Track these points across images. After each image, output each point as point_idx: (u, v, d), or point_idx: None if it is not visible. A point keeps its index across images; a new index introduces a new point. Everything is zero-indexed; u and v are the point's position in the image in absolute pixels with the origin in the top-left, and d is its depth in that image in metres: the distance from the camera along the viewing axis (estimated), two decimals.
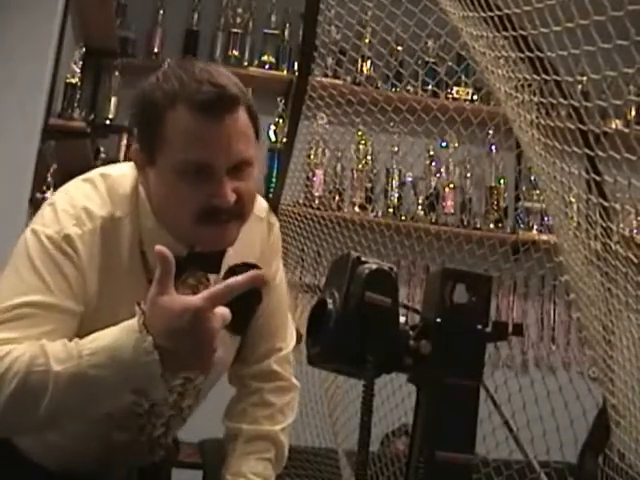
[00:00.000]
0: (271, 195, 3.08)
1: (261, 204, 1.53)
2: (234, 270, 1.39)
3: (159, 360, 1.13)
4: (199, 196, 1.25)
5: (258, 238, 1.51)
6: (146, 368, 1.14)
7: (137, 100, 1.33)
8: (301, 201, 3.36)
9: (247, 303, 1.43)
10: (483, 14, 1.35)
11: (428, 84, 3.55)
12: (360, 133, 3.94)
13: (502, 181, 4.10)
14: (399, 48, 3.31)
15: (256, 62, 4.05)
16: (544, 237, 3.78)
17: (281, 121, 3.90)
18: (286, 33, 4.08)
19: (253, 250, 1.48)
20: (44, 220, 1.32)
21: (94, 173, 1.41)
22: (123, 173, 1.39)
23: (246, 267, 1.40)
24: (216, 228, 1.28)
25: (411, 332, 0.91)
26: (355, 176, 4.00)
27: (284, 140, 3.14)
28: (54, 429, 1.35)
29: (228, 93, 1.25)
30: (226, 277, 1.36)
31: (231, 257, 1.42)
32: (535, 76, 1.36)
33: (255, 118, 1.33)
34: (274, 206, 2.81)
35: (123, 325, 1.17)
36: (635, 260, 1.29)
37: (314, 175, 3.92)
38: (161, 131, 1.26)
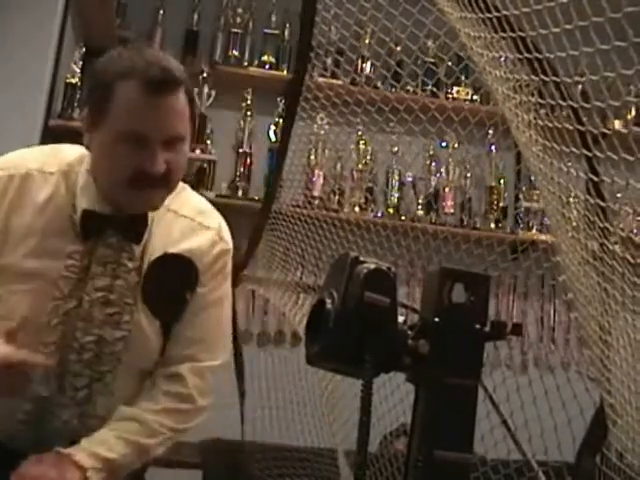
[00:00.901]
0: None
1: (212, 217, 1.68)
2: (164, 259, 1.55)
3: None
4: (133, 162, 1.45)
5: (196, 245, 1.61)
6: None
7: (93, 71, 1.55)
8: (301, 202, 3.36)
9: (175, 289, 1.58)
10: (481, 15, 1.36)
11: (427, 84, 3.56)
12: (360, 133, 3.95)
13: (501, 181, 4.11)
14: (398, 48, 3.31)
15: (256, 62, 4.06)
16: (543, 237, 3.78)
17: (281, 121, 3.89)
18: (286, 33, 4.09)
19: (188, 253, 1.59)
20: None
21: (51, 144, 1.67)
22: (72, 146, 1.61)
23: (177, 259, 1.57)
24: (143, 192, 1.48)
25: (410, 331, 0.91)
26: (355, 176, 4.01)
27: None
28: None
29: (172, 75, 1.46)
30: (155, 264, 1.55)
31: (158, 246, 1.57)
32: (534, 77, 1.37)
33: (192, 101, 1.52)
34: (268, 206, 2.82)
35: None
36: (632, 260, 1.29)
37: (314, 175, 3.92)
38: (109, 100, 1.45)
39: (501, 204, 4.08)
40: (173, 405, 1.63)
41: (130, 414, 1.58)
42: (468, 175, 4.11)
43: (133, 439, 1.56)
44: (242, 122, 4.00)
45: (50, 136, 3.20)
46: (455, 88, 4.03)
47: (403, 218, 3.96)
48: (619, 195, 3.33)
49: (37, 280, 1.49)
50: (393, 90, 3.38)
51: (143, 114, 1.44)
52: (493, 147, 4.06)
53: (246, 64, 4.04)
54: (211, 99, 3.89)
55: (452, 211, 4.03)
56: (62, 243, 1.51)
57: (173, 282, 1.59)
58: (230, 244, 1.69)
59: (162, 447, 1.64)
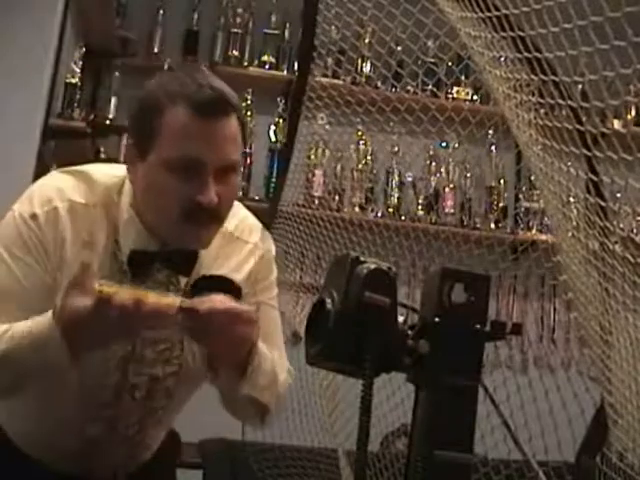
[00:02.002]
0: (271, 195, 3.08)
1: (253, 229, 1.57)
2: (205, 280, 1.44)
3: (66, 348, 1.25)
4: (185, 192, 1.32)
5: (235, 260, 1.51)
6: (56, 355, 1.26)
7: (138, 97, 1.41)
8: (301, 202, 3.36)
9: None
10: (481, 14, 1.36)
11: (427, 84, 3.56)
12: (360, 133, 3.95)
13: (501, 181, 4.11)
14: (398, 48, 3.31)
15: (256, 62, 4.05)
16: (543, 237, 3.78)
17: (281, 121, 3.90)
18: (286, 33, 4.08)
19: (236, 274, 1.49)
20: (20, 201, 1.44)
21: (77, 167, 1.49)
22: (106, 171, 1.48)
23: (214, 280, 1.44)
24: (195, 227, 1.35)
25: (410, 331, 0.91)
26: (355, 176, 4.01)
27: (284, 140, 3.15)
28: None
29: (225, 98, 1.35)
30: (195, 285, 1.42)
31: (205, 269, 1.45)
32: (533, 77, 1.37)
33: (244, 128, 1.42)
34: (274, 207, 2.82)
35: (46, 314, 1.28)
36: (632, 260, 1.29)
37: (314, 175, 3.92)
38: (158, 126, 1.33)
39: (501, 204, 4.07)
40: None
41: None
42: (468, 175, 4.11)
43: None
44: None
45: (50, 136, 3.20)
46: (455, 88, 4.03)
47: (403, 218, 3.95)
48: (619, 195, 3.33)
49: None
50: (394, 90, 3.38)
51: (195, 139, 1.32)
52: (493, 147, 4.06)
53: (246, 64, 4.04)
54: None
55: (452, 211, 4.03)
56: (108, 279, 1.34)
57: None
58: (272, 251, 1.60)
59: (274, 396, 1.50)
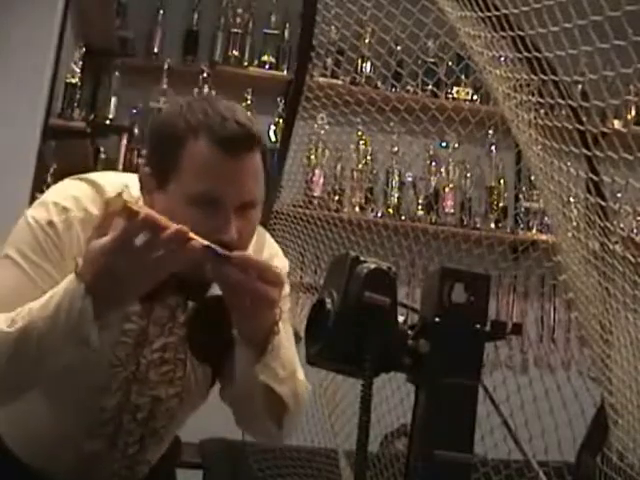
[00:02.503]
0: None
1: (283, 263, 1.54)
2: (203, 303, 1.40)
3: (91, 304, 1.19)
4: (204, 229, 1.24)
5: None
6: (81, 313, 1.20)
7: (157, 124, 1.37)
8: (301, 202, 3.36)
9: (213, 331, 1.43)
10: (481, 14, 1.36)
11: (427, 84, 3.56)
12: (360, 133, 3.95)
13: (501, 181, 4.11)
14: (398, 48, 3.31)
15: (256, 62, 4.05)
16: (543, 237, 3.78)
17: (281, 121, 3.90)
18: (286, 33, 4.08)
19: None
20: (34, 207, 1.39)
21: (91, 174, 1.44)
22: (122, 182, 1.42)
23: (213, 300, 1.38)
24: (218, 264, 1.26)
25: (410, 331, 0.91)
26: (355, 176, 4.01)
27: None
28: (15, 399, 1.39)
29: (250, 133, 1.30)
30: (194, 311, 1.41)
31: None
32: (533, 76, 1.36)
33: (266, 162, 1.36)
34: (269, 206, 2.82)
35: (66, 278, 1.23)
36: (632, 260, 1.29)
37: (314, 176, 3.92)
38: (179, 159, 1.29)
39: (501, 204, 4.08)
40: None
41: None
42: (468, 175, 4.11)
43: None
44: None
45: (50, 136, 3.20)
46: (455, 88, 4.03)
47: (403, 218, 3.95)
48: (619, 194, 3.33)
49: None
50: (393, 90, 3.38)
51: (218, 175, 1.28)
52: (493, 147, 4.06)
53: (246, 64, 4.04)
54: None
55: (452, 211, 4.03)
56: None
57: (212, 323, 1.41)
58: (286, 267, 1.56)
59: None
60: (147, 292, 1.28)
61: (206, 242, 1.22)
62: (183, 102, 1.34)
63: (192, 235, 1.20)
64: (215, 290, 1.38)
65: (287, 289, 1.53)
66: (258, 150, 1.32)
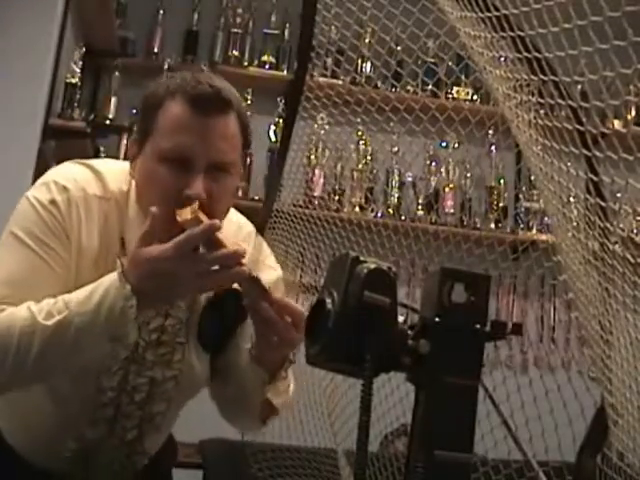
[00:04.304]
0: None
1: (261, 245, 1.60)
2: (217, 294, 1.44)
3: (136, 305, 1.26)
4: (174, 184, 1.32)
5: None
6: (124, 312, 1.26)
7: (144, 95, 1.44)
8: (301, 202, 3.36)
9: (227, 322, 1.48)
10: (481, 14, 1.36)
11: (427, 84, 3.56)
12: (360, 133, 3.95)
13: (501, 181, 4.11)
14: (398, 48, 3.31)
15: (256, 62, 4.06)
16: (543, 237, 3.78)
17: (281, 121, 3.90)
18: (286, 33, 4.09)
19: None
20: (35, 188, 1.44)
21: (91, 160, 1.51)
22: (119, 167, 1.48)
23: (227, 292, 1.42)
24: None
25: (410, 331, 0.91)
26: (355, 176, 4.01)
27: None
28: (41, 382, 1.42)
29: (222, 95, 1.35)
30: (209, 301, 1.45)
31: None
32: (533, 77, 1.37)
33: (245, 130, 1.40)
34: (268, 206, 2.82)
35: (106, 277, 1.29)
36: (632, 260, 1.29)
37: (314, 175, 3.92)
38: (156, 119, 1.36)
39: (501, 204, 4.08)
40: None
41: None
42: (468, 175, 4.11)
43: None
44: None
45: (50, 136, 3.20)
46: (455, 88, 4.03)
47: (403, 218, 3.95)
48: (619, 195, 3.33)
49: None
50: (393, 90, 3.38)
51: (187, 132, 1.33)
52: (493, 147, 4.06)
53: (246, 64, 4.04)
54: None
55: (452, 211, 4.03)
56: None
57: (226, 315, 1.46)
58: (278, 270, 1.61)
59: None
60: None
61: (255, 273, 1.29)
62: (167, 74, 1.44)
63: (243, 261, 1.26)
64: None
65: (279, 273, 1.60)
66: (232, 114, 1.37)
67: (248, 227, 1.60)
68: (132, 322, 1.27)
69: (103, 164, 1.49)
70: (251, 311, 1.37)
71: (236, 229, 1.54)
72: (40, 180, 1.46)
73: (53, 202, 1.38)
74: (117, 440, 1.52)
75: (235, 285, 1.38)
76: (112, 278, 1.27)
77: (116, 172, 1.46)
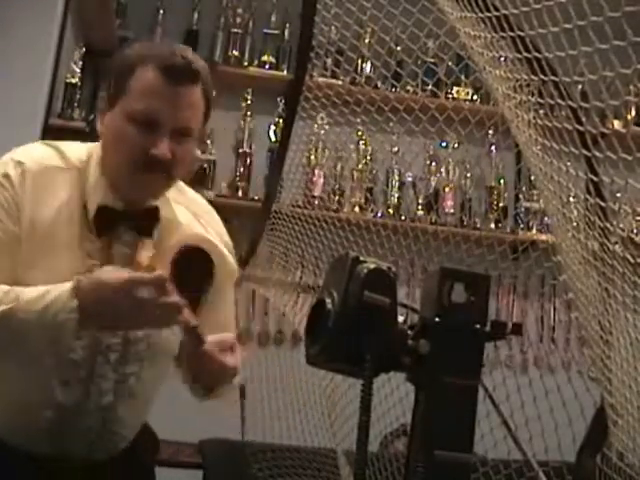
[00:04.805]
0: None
1: (216, 217, 1.73)
2: (184, 253, 1.50)
3: (77, 320, 1.35)
4: (141, 143, 1.45)
5: (210, 240, 1.60)
6: (64, 324, 1.35)
7: (115, 58, 1.58)
8: (301, 202, 3.36)
9: (195, 282, 1.53)
10: (481, 15, 1.36)
11: (427, 84, 3.56)
12: (360, 133, 3.95)
13: (501, 181, 4.11)
14: (398, 48, 3.31)
15: (256, 62, 4.05)
16: (543, 237, 3.78)
17: (281, 121, 3.90)
18: (286, 33, 4.08)
19: (205, 246, 1.57)
20: None
21: (56, 142, 1.61)
22: (79, 145, 1.60)
23: (196, 252, 1.51)
24: (145, 176, 1.47)
25: (410, 331, 0.91)
26: (355, 176, 4.01)
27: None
28: None
29: (193, 67, 1.50)
30: (176, 256, 1.49)
31: (174, 241, 1.54)
32: (533, 77, 1.37)
33: (209, 102, 1.54)
34: (268, 206, 2.82)
35: (61, 285, 1.37)
36: (632, 260, 1.29)
37: (314, 175, 3.92)
38: (128, 81, 1.48)
39: (501, 204, 4.08)
40: None
41: None
42: (468, 175, 4.11)
43: None
44: (242, 122, 4.00)
45: (50, 136, 3.19)
46: (455, 88, 4.03)
47: (403, 218, 3.95)
48: (619, 195, 3.33)
49: (58, 277, 1.42)
50: (393, 90, 3.38)
51: (158, 97, 1.46)
52: (493, 147, 4.06)
53: (246, 64, 4.04)
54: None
55: (452, 211, 4.03)
56: (80, 242, 1.49)
57: (193, 275, 1.53)
58: (232, 250, 1.71)
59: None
60: (102, 229, 1.50)
61: (194, 322, 1.40)
62: (137, 43, 1.57)
63: (186, 309, 1.37)
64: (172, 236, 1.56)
65: (234, 266, 1.71)
66: (199, 86, 1.51)
67: (207, 206, 1.73)
68: (70, 335, 1.38)
69: (63, 143, 1.59)
70: (188, 355, 1.49)
71: (195, 204, 1.68)
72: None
73: (6, 176, 1.48)
74: (92, 405, 1.54)
75: (203, 246, 1.51)
76: (65, 288, 1.36)
77: (75, 147, 1.58)
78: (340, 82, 3.25)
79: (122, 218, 1.52)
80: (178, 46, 1.56)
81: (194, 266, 1.51)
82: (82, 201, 1.51)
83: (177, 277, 1.49)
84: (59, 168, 1.52)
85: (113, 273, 1.37)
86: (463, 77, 3.90)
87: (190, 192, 1.71)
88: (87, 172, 1.53)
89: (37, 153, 1.53)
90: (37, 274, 1.44)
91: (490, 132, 3.83)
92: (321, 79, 3.32)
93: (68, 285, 1.36)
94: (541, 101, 1.38)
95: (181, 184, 1.66)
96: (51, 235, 1.47)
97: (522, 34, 1.34)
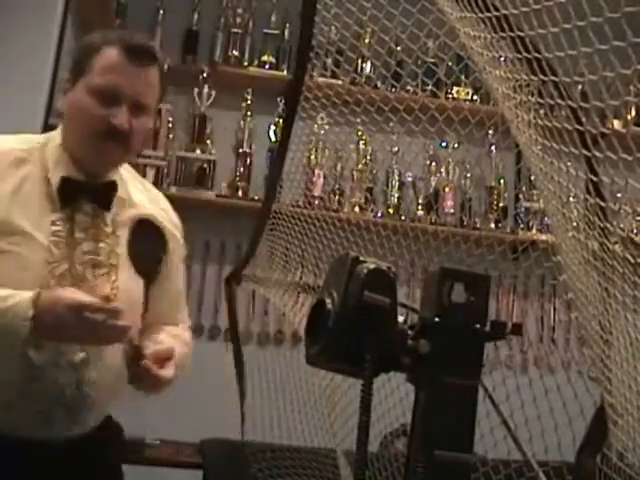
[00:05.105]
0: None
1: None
2: (141, 223, 1.75)
3: (30, 328, 1.49)
4: (103, 114, 1.63)
5: (163, 213, 1.84)
6: (18, 329, 1.49)
7: (82, 42, 1.74)
8: (301, 202, 3.36)
9: (151, 250, 1.77)
10: (481, 15, 1.36)
11: (427, 84, 3.56)
12: (360, 133, 3.95)
13: (501, 181, 4.11)
14: (398, 48, 3.31)
15: (256, 62, 4.06)
16: (543, 237, 3.79)
17: (281, 121, 3.90)
18: (286, 33, 4.09)
19: (160, 217, 1.81)
20: None
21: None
22: (36, 132, 1.88)
23: (152, 223, 1.76)
24: (106, 144, 1.65)
25: (410, 331, 0.91)
26: (355, 176, 4.01)
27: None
28: None
29: (152, 51, 1.72)
30: (133, 229, 1.73)
31: (131, 212, 1.75)
32: (533, 77, 1.37)
33: (164, 84, 1.75)
34: (268, 205, 2.82)
35: (26, 293, 1.51)
36: (632, 260, 1.29)
37: (313, 175, 3.92)
38: (92, 61, 1.65)
39: (501, 204, 4.08)
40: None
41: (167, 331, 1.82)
42: (468, 175, 4.11)
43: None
44: (242, 122, 4.01)
45: None
46: (455, 88, 4.03)
47: (403, 218, 3.95)
48: (619, 195, 3.33)
49: (26, 242, 1.60)
50: (393, 90, 3.38)
51: (120, 74, 1.64)
52: (493, 147, 4.06)
53: (246, 64, 4.04)
54: (211, 99, 3.89)
55: (452, 211, 4.03)
56: (44, 212, 1.64)
57: (150, 244, 1.75)
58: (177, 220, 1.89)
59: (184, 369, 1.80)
60: (64, 200, 1.65)
61: (136, 342, 1.60)
62: (102, 31, 1.75)
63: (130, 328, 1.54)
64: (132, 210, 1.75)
65: (183, 246, 1.89)
66: (156, 68, 1.71)
67: (162, 195, 1.90)
68: (24, 339, 1.50)
69: (21, 134, 1.79)
70: (128, 366, 1.62)
71: (152, 192, 1.86)
72: None
73: None
74: (65, 362, 1.61)
75: (152, 219, 1.76)
76: (27, 296, 1.50)
77: (32, 135, 1.80)
78: (340, 82, 3.24)
79: (83, 190, 1.68)
80: (141, 35, 1.78)
81: (150, 236, 1.75)
82: (44, 175, 1.67)
83: (134, 245, 1.71)
84: (21, 150, 1.69)
85: (72, 293, 1.52)
86: (463, 77, 3.90)
87: (149, 185, 1.92)
88: (46, 150, 1.70)
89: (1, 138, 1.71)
90: (12, 237, 1.60)
91: (490, 132, 3.83)
92: (321, 79, 3.32)
93: (29, 294, 1.50)
94: (541, 101, 1.38)
95: (142, 179, 1.89)
96: (17, 205, 1.62)
97: (522, 34, 1.34)
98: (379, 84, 3.74)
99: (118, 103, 1.63)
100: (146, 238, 1.75)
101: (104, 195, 1.70)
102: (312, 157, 3.95)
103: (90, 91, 1.64)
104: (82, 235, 1.66)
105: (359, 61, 3.90)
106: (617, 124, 3.98)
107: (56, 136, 1.73)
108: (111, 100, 1.63)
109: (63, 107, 1.73)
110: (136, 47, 1.66)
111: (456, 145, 4.01)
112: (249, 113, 4.00)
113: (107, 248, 1.68)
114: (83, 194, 1.68)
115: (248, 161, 3.96)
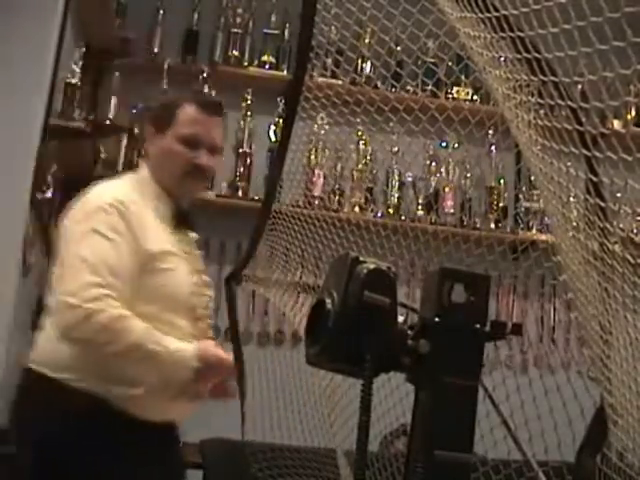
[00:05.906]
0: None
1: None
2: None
3: (192, 374, 2.01)
4: (190, 156, 2.17)
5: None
6: (181, 373, 2.02)
7: (159, 100, 2.36)
8: (301, 202, 3.36)
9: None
10: (481, 15, 1.36)
11: (427, 84, 3.56)
12: (360, 133, 3.95)
13: (501, 181, 4.11)
14: (398, 48, 3.31)
15: (256, 62, 4.06)
16: (543, 237, 3.79)
17: (281, 121, 3.89)
18: (286, 33, 4.09)
19: None
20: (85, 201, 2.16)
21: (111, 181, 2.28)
22: (121, 179, 2.30)
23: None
24: (195, 181, 2.23)
25: (410, 331, 0.91)
26: (355, 176, 4.01)
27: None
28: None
29: (220, 104, 2.30)
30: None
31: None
32: (533, 77, 1.36)
33: (224, 127, 2.41)
34: (268, 205, 2.82)
35: (191, 347, 2.03)
36: (632, 260, 1.29)
37: (313, 175, 3.92)
38: (175, 115, 2.19)
39: (501, 204, 4.08)
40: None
41: None
42: (468, 175, 4.11)
43: None
44: (242, 122, 4.01)
45: (50, 136, 3.19)
46: (455, 88, 4.03)
47: (403, 218, 3.95)
48: (619, 195, 3.33)
49: (174, 259, 2.10)
50: (393, 90, 3.38)
51: (199, 125, 2.18)
52: (493, 147, 4.06)
53: (246, 64, 4.05)
54: None
55: (452, 211, 4.03)
56: (167, 234, 2.14)
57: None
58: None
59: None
60: (177, 223, 2.20)
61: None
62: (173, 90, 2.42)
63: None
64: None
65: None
66: (222, 117, 2.31)
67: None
68: (182, 380, 2.01)
69: (116, 182, 2.26)
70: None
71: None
72: (84, 198, 2.12)
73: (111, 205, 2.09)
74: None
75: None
76: (193, 351, 2.01)
77: (118, 179, 2.29)
78: (340, 82, 3.24)
79: (185, 217, 2.22)
80: (207, 92, 2.48)
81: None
82: (153, 206, 2.14)
83: None
84: (130, 193, 2.14)
85: (218, 350, 2.07)
86: (463, 77, 3.90)
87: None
88: (143, 188, 2.17)
89: (114, 190, 2.17)
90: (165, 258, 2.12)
91: (490, 132, 3.83)
92: (321, 79, 3.32)
93: (193, 349, 2.02)
94: (541, 101, 1.38)
95: None
96: (155, 235, 2.11)
97: (522, 35, 1.34)
98: (379, 84, 3.74)
99: (200, 148, 2.17)
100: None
101: (190, 220, 2.24)
102: (312, 157, 3.95)
103: (179, 139, 2.17)
104: (193, 249, 2.24)
105: (359, 61, 3.89)
106: (617, 124, 3.97)
107: (142, 176, 2.21)
108: (195, 146, 2.16)
109: (152, 150, 2.23)
110: (208, 103, 2.25)
111: (456, 145, 4.01)
112: (249, 113, 4.00)
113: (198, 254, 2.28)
114: (180, 221, 2.19)
115: (248, 161, 3.96)
